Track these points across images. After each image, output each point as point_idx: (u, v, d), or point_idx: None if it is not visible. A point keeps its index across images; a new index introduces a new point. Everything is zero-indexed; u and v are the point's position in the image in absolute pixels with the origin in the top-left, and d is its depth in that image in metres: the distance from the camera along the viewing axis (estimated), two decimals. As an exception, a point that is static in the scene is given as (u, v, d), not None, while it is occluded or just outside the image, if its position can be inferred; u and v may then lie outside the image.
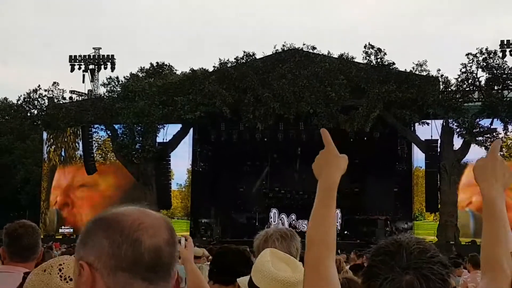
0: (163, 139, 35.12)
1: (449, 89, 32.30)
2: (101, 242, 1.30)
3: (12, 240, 3.45)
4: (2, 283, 3.30)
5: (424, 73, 32.14)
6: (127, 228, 1.30)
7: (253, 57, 33.99)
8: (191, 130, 35.56)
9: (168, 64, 38.19)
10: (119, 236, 1.29)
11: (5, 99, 54.33)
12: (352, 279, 4.19)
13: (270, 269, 2.47)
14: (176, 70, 38.21)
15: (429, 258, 1.61)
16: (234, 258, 3.64)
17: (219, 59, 34.32)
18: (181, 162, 36.43)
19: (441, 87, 32.47)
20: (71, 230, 37.99)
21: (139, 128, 34.07)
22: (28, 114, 37.83)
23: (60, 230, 38.23)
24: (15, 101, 42.87)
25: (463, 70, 31.84)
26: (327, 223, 1.99)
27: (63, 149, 39.78)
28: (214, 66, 34.34)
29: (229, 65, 33.96)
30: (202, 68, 34.81)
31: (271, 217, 35.68)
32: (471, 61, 31.67)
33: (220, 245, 23.94)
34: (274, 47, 34.08)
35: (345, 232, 33.61)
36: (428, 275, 1.58)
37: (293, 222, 35.75)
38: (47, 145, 40.31)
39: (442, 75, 32.34)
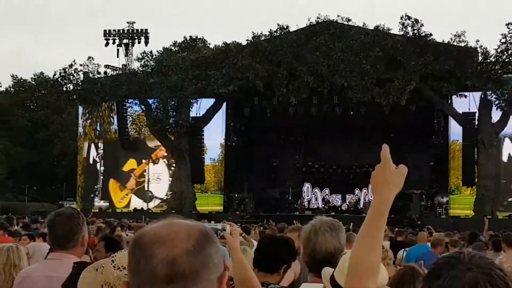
0: (197, 114, 35.30)
1: (488, 60, 31.68)
2: (131, 260, 1.38)
3: (49, 229, 3.62)
4: (54, 270, 3.42)
5: (462, 44, 31.57)
6: (145, 243, 1.35)
7: (287, 30, 33.75)
8: (224, 104, 35.64)
9: (201, 38, 38.28)
10: (138, 252, 1.35)
11: (41, 73, 55.30)
12: (414, 267, 4.21)
13: None
14: (209, 43, 38.31)
15: (491, 263, 1.64)
16: (278, 246, 3.67)
17: (252, 32, 34.25)
18: (214, 137, 36.63)
19: (480, 58, 31.86)
20: (108, 203, 38.68)
21: (173, 102, 34.28)
22: (64, 89, 38.30)
23: (97, 204, 38.94)
24: (51, 76, 43.46)
25: (503, 40, 31.19)
26: (375, 251, 1.86)
27: (98, 124, 40.32)
28: (247, 40, 34.28)
29: (262, 38, 33.81)
30: (235, 41, 34.77)
31: (304, 192, 35.79)
32: (511, 31, 30.94)
33: (254, 219, 23.97)
34: (308, 20, 33.86)
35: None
36: (492, 274, 1.60)
37: (327, 196, 35.78)
38: (82, 119, 40.91)
39: (481, 46, 31.76)
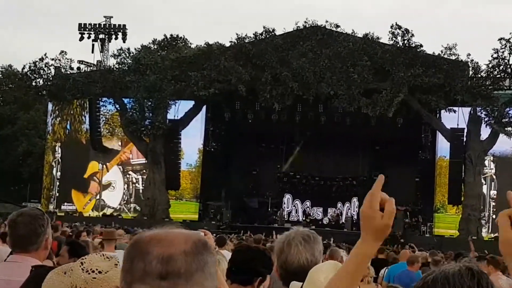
0: (175, 116, 35.21)
1: (479, 75, 32.03)
2: (125, 262, 1.42)
3: (10, 230, 3.54)
4: (11, 274, 3.38)
5: (453, 57, 31.90)
6: (141, 242, 1.40)
7: (273, 33, 33.88)
8: (204, 108, 35.62)
9: (182, 37, 38.21)
10: (133, 251, 1.40)
11: (10, 66, 54.69)
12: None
13: (319, 279, 2.49)
14: (190, 43, 38.25)
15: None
16: (254, 257, 3.60)
17: (237, 34, 34.33)
18: (192, 141, 36.56)
19: (471, 73, 32.21)
20: (74, 207, 38.36)
21: (150, 103, 34.15)
22: (33, 84, 37.99)
23: (63, 207, 38.60)
24: (20, 69, 43.04)
25: (495, 55, 31.55)
26: None
27: (68, 122, 40.01)
28: (231, 41, 34.32)
29: (247, 40, 33.89)
30: (218, 42, 34.79)
31: (284, 203, 35.80)
32: (503, 47, 31.38)
33: (230, 230, 23.88)
34: (296, 24, 33.98)
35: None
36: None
37: (307, 209, 35.85)
38: (52, 117, 40.55)
39: (472, 60, 32.11)
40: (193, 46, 37.60)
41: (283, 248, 3.08)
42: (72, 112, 39.53)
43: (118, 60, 36.50)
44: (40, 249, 3.49)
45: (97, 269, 2.13)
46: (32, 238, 3.44)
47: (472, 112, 31.74)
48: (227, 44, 34.28)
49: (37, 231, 3.45)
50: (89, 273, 2.13)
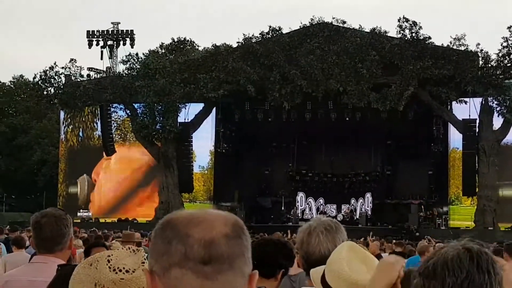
0: (185, 119, 35.24)
1: (489, 65, 31.83)
2: (157, 244, 1.34)
3: (35, 232, 3.53)
4: (39, 274, 3.38)
5: (462, 48, 31.75)
6: (179, 224, 1.33)
7: (280, 32, 33.84)
8: (214, 109, 35.64)
9: (189, 40, 38.23)
10: (170, 233, 1.32)
11: (21, 76, 55.00)
12: (410, 269, 4.16)
13: (344, 269, 2.43)
14: (198, 46, 38.29)
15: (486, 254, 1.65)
16: (276, 250, 3.57)
17: (243, 34, 34.29)
18: (203, 143, 36.58)
19: (481, 63, 32.02)
20: (90, 213, 38.50)
21: (160, 107, 34.22)
22: (45, 93, 38.24)
23: (79, 214, 38.72)
24: (31, 79, 43.29)
25: (504, 44, 31.40)
26: None
27: (81, 129, 40.17)
28: (238, 42, 34.30)
29: (254, 40, 33.86)
30: (226, 43, 34.77)
31: (297, 201, 35.77)
32: (513, 35, 31.19)
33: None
34: (301, 22, 33.93)
35: (376, 217, 33.59)
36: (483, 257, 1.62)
37: (321, 206, 35.80)
38: (64, 125, 40.72)
39: (481, 50, 31.93)
40: (200, 48, 37.68)
41: (304, 238, 3.02)
42: (83, 119, 39.68)
43: (127, 65, 36.66)
44: (64, 249, 3.51)
45: (124, 268, 2.07)
46: (57, 239, 3.46)
47: (483, 102, 31.57)
48: (234, 45, 34.29)
49: (62, 231, 3.47)
50: (116, 273, 2.08)
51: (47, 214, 3.51)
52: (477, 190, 31.78)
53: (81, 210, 38.87)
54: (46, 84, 37.47)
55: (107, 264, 2.09)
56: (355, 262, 2.41)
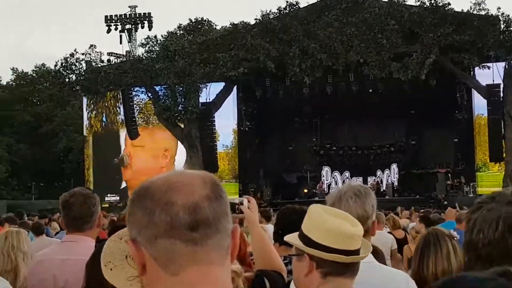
0: (206, 99, 35.31)
1: (511, 29, 31.33)
2: (137, 215, 1.31)
3: (64, 211, 3.61)
4: (70, 253, 3.48)
5: (483, 13, 31.26)
6: (157, 192, 1.30)
7: (297, 6, 33.62)
8: (235, 88, 35.65)
9: (207, 20, 38.16)
10: (150, 202, 1.29)
11: (43, 65, 55.55)
12: (437, 228, 4.18)
13: (327, 219, 2.45)
14: (215, 25, 38.21)
15: None
16: (301, 218, 3.62)
17: (261, 10, 34.10)
18: (226, 123, 36.67)
19: (502, 26, 31.52)
20: (117, 198, 38.89)
21: (181, 88, 34.33)
22: (67, 80, 38.47)
23: (106, 198, 39.13)
24: (52, 67, 43.58)
25: (526, 6, 30.83)
26: None
27: (104, 115, 40.47)
28: (255, 19, 34.17)
29: (271, 16, 33.67)
30: (243, 21, 34.64)
31: (323, 176, 35.72)
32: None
33: (271, 207, 23.86)
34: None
35: (403, 187, 33.48)
36: None
37: (347, 180, 35.70)
38: (87, 111, 41.06)
39: (502, 14, 31.41)
40: (218, 27, 37.60)
41: (334, 203, 3.03)
42: (106, 104, 39.96)
43: (146, 48, 36.77)
44: (93, 228, 3.59)
45: None
46: (86, 217, 3.54)
47: (506, 66, 31.12)
48: (252, 22, 34.18)
49: (91, 210, 3.55)
50: None
51: (75, 193, 3.60)
52: (504, 155, 31.49)
53: (108, 195, 39.24)
54: (67, 71, 37.59)
55: None
56: (332, 215, 2.43)
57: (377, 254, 3.26)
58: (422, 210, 14.97)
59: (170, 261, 1.28)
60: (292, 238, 2.55)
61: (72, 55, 37.18)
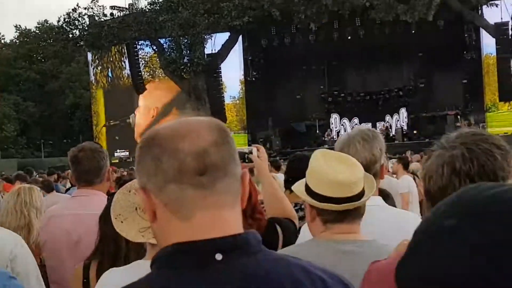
0: (212, 50, 35.09)
1: (520, -35, 30.74)
2: (145, 163, 1.33)
3: (73, 166, 3.62)
4: (81, 207, 3.50)
5: None
6: (165, 139, 1.31)
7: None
8: (240, 37, 35.33)
9: (209, -32, 37.56)
10: (157, 149, 1.31)
11: (45, 21, 55.16)
12: None
13: (326, 171, 2.45)
14: (218, -27, 37.63)
15: (480, 139, 1.72)
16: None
17: (263, -44, 33.49)
18: (232, 73, 36.50)
19: (511, -38, 30.91)
20: (127, 153, 39.09)
21: (186, 40, 34.10)
22: (70, 36, 38.33)
23: (116, 154, 39.35)
24: (55, 23, 43.35)
25: None
26: None
27: (109, 70, 40.34)
28: (258, -35, 33.58)
29: (274, -38, 33.11)
30: (246, -32, 34.08)
31: (332, 123, 35.66)
32: None
33: (281, 156, 23.95)
34: None
35: (414, 131, 33.40)
36: (474, 148, 1.68)
37: (356, 126, 35.60)
38: (93, 66, 40.94)
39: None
40: (221, -25, 37.05)
41: (343, 148, 3.02)
42: (111, 59, 39.80)
43: (149, 0, 36.39)
44: (103, 182, 3.61)
45: None
46: (96, 171, 3.55)
47: (515, 3, 30.68)
48: (255, -31, 33.62)
49: (100, 164, 3.56)
50: None
51: (84, 148, 3.60)
52: (514, 94, 31.32)
53: (118, 150, 39.44)
54: (70, 26, 37.51)
55: None
56: (334, 163, 2.43)
57: (388, 197, 3.25)
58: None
59: (180, 206, 1.30)
60: (298, 185, 2.57)
61: (74, 10, 36.99)
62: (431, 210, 1.02)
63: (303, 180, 2.54)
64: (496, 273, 0.85)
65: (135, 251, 2.59)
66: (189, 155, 1.29)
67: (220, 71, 35.52)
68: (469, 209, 0.93)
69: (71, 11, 37.01)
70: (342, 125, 35.67)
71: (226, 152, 1.33)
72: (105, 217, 2.73)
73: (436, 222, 0.96)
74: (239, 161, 1.38)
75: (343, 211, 2.37)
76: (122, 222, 2.27)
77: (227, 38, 35.05)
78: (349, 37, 33.05)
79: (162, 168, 1.29)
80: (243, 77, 36.85)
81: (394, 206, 3.59)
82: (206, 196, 1.30)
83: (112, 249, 2.78)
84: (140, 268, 1.82)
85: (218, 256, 1.28)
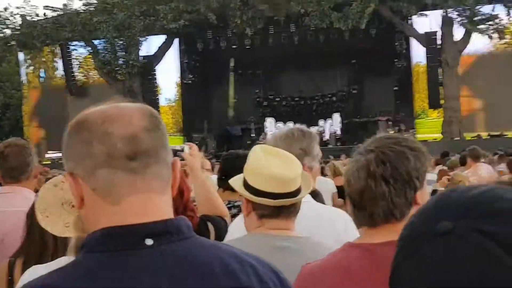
0: (147, 52, 34.79)
1: (448, -24, 31.66)
2: (74, 147, 1.31)
3: (0, 162, 3.51)
4: (7, 205, 3.39)
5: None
6: (95, 123, 1.29)
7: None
8: (176, 40, 35.15)
9: (145, -30, 37.19)
10: (87, 133, 1.29)
11: (-25, 20, 53.33)
12: None
13: (263, 165, 2.45)
14: (154, -24, 37.29)
15: (394, 142, 1.78)
16: (243, 163, 3.60)
17: (200, -40, 33.42)
18: (168, 76, 36.46)
19: (439, -26, 31.83)
20: (60, 154, 38.21)
21: (121, 42, 33.67)
22: (1, 35, 37.16)
23: (47, 155, 38.41)
24: (-16, 22, 41.97)
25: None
26: None
27: (42, 70, 39.42)
28: (194, -32, 33.48)
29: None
30: (183, -29, 33.93)
31: (266, 127, 35.91)
32: None
33: (216, 159, 23.86)
34: None
35: (346, 136, 33.97)
36: (387, 151, 1.75)
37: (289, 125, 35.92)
38: (24, 66, 39.91)
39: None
40: (157, -22, 36.73)
41: (276, 144, 3.03)
42: (44, 59, 38.89)
43: (84, 1, 35.69)
44: (30, 178, 3.52)
45: None
46: (23, 168, 3.46)
47: (444, 14, 31.59)
48: (192, -28, 33.50)
49: (26, 160, 3.48)
50: None
51: (10, 144, 3.50)
52: (442, 102, 32.24)
53: (49, 151, 38.51)
54: (1, 26, 36.32)
55: None
56: (272, 158, 2.45)
57: (316, 195, 3.28)
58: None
59: (110, 191, 1.28)
60: (236, 179, 2.58)
61: (5, 9, 35.85)
62: (414, 215, 1.01)
63: (241, 175, 2.54)
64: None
65: (63, 249, 2.54)
66: (120, 140, 1.27)
67: (155, 74, 35.25)
68: (462, 211, 0.93)
69: (2, 10, 35.88)
70: (276, 128, 35.90)
71: (158, 138, 1.32)
72: (32, 214, 2.67)
73: (428, 225, 0.94)
74: (170, 148, 1.37)
75: (279, 207, 2.38)
76: (47, 216, 2.21)
77: (163, 41, 34.81)
78: (284, 43, 33.37)
79: (92, 153, 1.27)
80: (179, 79, 36.67)
81: (323, 203, 3.63)
82: (137, 181, 1.29)
83: (38, 246, 2.71)
84: (64, 263, 1.78)
85: (149, 241, 1.26)
